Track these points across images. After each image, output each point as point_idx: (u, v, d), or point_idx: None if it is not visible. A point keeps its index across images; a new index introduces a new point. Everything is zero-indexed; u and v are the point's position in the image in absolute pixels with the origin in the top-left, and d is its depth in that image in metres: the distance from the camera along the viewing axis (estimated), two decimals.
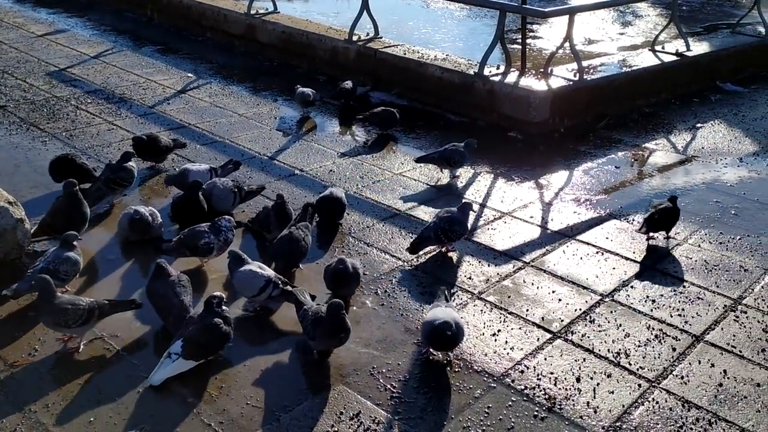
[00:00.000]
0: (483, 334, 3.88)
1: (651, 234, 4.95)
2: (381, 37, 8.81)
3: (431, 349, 3.64)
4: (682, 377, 3.57)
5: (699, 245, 4.92)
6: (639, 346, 3.81)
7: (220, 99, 7.78)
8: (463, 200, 5.28)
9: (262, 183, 5.65)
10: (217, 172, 5.43)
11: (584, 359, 3.69)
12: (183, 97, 7.79)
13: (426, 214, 5.27)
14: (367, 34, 8.81)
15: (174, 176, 5.38)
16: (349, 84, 7.67)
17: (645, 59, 8.41)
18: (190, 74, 8.64)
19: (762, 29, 9.99)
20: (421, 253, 4.72)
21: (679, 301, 4.23)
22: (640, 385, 3.51)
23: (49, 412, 3.15)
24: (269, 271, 3.95)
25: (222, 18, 10.28)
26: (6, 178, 5.47)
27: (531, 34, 10.73)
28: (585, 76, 7.44)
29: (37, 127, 6.64)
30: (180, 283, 3.78)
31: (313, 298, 3.91)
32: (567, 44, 7.43)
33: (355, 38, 8.68)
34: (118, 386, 3.34)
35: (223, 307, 3.55)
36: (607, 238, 5.01)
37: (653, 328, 3.96)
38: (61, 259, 3.91)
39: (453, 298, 4.18)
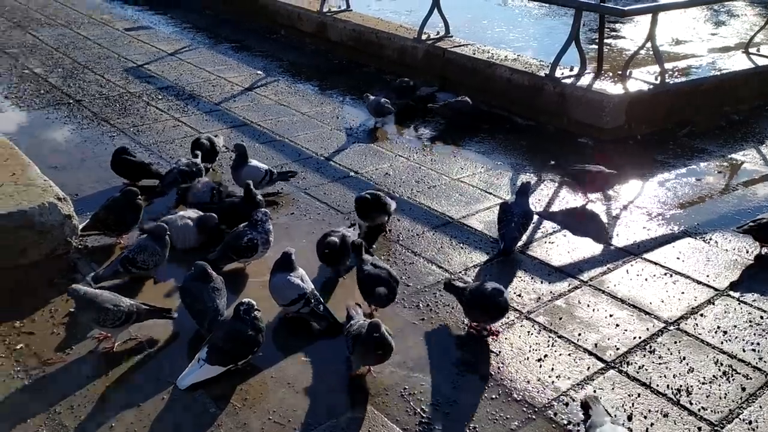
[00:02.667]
0: (527, 358, 3.60)
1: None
2: (451, 36, 8.57)
3: None
4: (750, 422, 3.18)
5: None
6: (703, 383, 3.43)
7: (285, 97, 7.77)
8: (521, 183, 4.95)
9: (318, 182, 5.57)
10: (273, 175, 5.35)
11: (639, 394, 3.36)
12: (249, 94, 7.83)
13: (480, 223, 5.01)
14: (437, 33, 8.59)
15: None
16: (410, 81, 7.49)
17: (737, 62, 7.77)
18: (259, 71, 8.69)
19: None
20: (470, 265, 4.49)
21: (755, 334, 3.80)
22: (700, 429, 3.15)
23: (73, 414, 3.13)
24: (308, 285, 3.82)
25: (295, 16, 10.31)
26: (71, 172, 5.62)
27: (613, 33, 10.20)
28: (667, 80, 6.94)
29: (108, 122, 6.81)
30: (215, 287, 3.71)
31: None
32: (649, 44, 6.95)
33: (424, 37, 8.47)
34: (145, 391, 3.30)
35: (255, 314, 3.45)
36: (678, 258, 4.59)
37: (722, 363, 3.56)
38: (139, 249, 4.02)
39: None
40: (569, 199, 5.46)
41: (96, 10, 11.74)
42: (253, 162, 5.39)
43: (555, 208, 5.32)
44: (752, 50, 8.10)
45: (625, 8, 7.00)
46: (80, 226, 4.30)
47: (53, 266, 4.13)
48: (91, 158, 5.96)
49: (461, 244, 4.74)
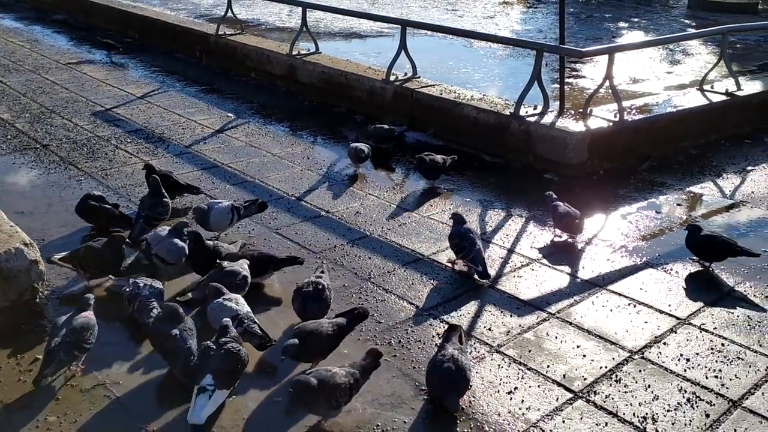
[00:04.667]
0: (498, 391, 3.65)
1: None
2: (419, 77, 8.78)
3: None
4: None
5: (743, 299, 4.58)
6: (668, 410, 3.51)
7: (256, 139, 7.84)
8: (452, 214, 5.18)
9: (289, 222, 5.61)
10: (240, 211, 5.38)
11: (606, 423, 3.42)
12: (220, 136, 7.89)
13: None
14: (405, 74, 8.80)
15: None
16: (383, 125, 7.63)
17: (692, 99, 8.10)
18: (229, 114, 8.78)
19: None
20: (441, 300, 4.55)
21: (717, 361, 3.91)
22: None
23: None
24: (243, 308, 3.91)
25: (265, 59, 10.48)
26: (38, 217, 5.59)
27: (574, 73, 10.56)
28: (626, 117, 7.19)
29: (75, 166, 6.80)
30: (186, 327, 3.72)
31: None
32: (607, 83, 7.22)
33: (392, 78, 8.67)
34: None
35: (235, 333, 3.61)
36: (641, 288, 4.72)
37: (685, 391, 3.65)
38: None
39: (469, 349, 3.97)
40: (536, 234, 5.59)
41: (64, 55, 11.77)
42: (217, 205, 5.35)
43: (524, 242, 5.43)
44: (706, 87, 8.45)
45: (583, 49, 7.30)
46: (58, 256, 4.34)
47: (19, 312, 4.09)
48: (58, 203, 5.93)
49: (432, 280, 4.80)
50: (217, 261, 4.50)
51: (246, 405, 3.51)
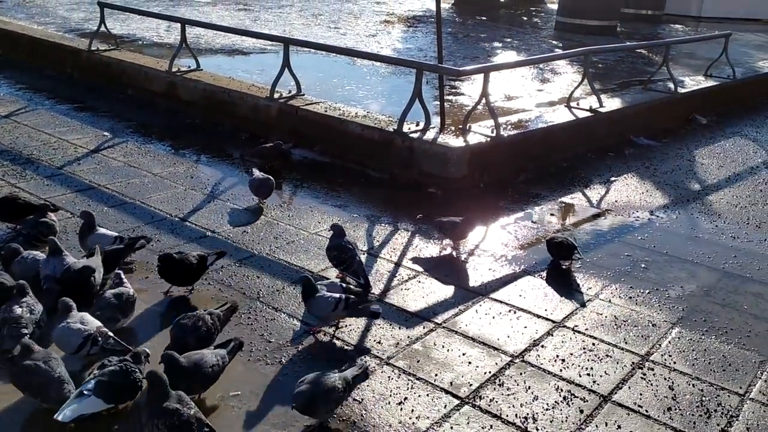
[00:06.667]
0: (389, 403, 3.73)
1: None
2: (303, 95, 8.82)
3: None
4: None
5: (609, 300, 4.96)
6: (547, 409, 3.73)
7: (135, 158, 7.55)
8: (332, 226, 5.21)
9: (173, 244, 5.44)
10: (123, 241, 5.16)
11: (491, 426, 3.58)
12: (95, 157, 7.53)
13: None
14: (290, 92, 8.81)
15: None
16: (267, 142, 7.60)
17: (561, 115, 8.67)
18: (106, 133, 8.40)
19: (671, 85, 10.52)
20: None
21: (588, 360, 4.20)
22: None
23: None
24: (92, 325, 3.79)
25: (143, 75, 10.13)
26: None
27: (454, 90, 10.99)
28: (502, 132, 7.58)
29: None
30: (49, 357, 3.52)
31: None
32: (484, 101, 7.58)
33: (276, 96, 8.65)
34: None
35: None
36: (520, 295, 4.99)
37: (561, 389, 3.90)
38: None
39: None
40: (422, 247, 5.76)
41: None
42: (101, 230, 5.18)
43: (410, 255, 5.58)
44: (573, 104, 9.08)
45: (460, 68, 7.65)
46: None
47: None
48: None
49: None
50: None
51: None
